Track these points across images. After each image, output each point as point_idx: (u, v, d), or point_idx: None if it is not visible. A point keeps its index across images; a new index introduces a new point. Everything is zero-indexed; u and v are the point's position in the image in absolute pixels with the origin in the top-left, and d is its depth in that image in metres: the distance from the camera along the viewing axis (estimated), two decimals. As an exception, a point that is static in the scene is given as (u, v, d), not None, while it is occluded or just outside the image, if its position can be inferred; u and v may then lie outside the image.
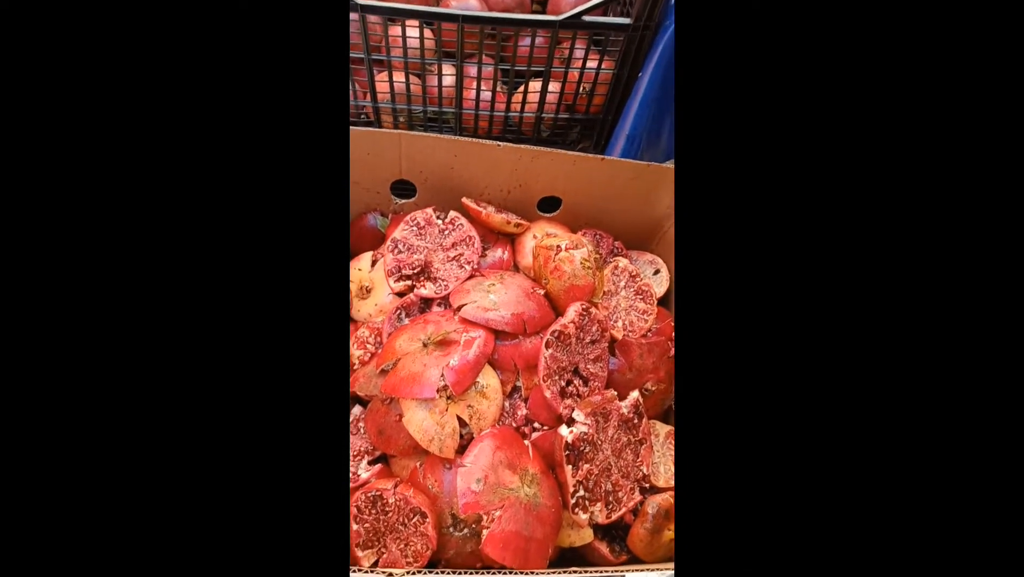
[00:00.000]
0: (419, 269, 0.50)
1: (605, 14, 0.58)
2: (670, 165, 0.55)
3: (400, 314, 0.48)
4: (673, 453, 0.49)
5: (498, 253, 0.54)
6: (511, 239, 0.55)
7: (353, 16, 0.56)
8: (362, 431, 0.45)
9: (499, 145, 0.52)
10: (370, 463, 0.42)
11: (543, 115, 0.67)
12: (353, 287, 0.52)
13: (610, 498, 0.43)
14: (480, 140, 0.51)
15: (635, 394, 0.47)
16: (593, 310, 0.47)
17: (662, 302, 0.56)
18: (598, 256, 0.48)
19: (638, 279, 0.54)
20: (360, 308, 0.51)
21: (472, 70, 0.62)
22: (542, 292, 0.48)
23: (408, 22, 0.58)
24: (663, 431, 0.50)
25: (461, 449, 0.41)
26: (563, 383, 0.45)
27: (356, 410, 0.47)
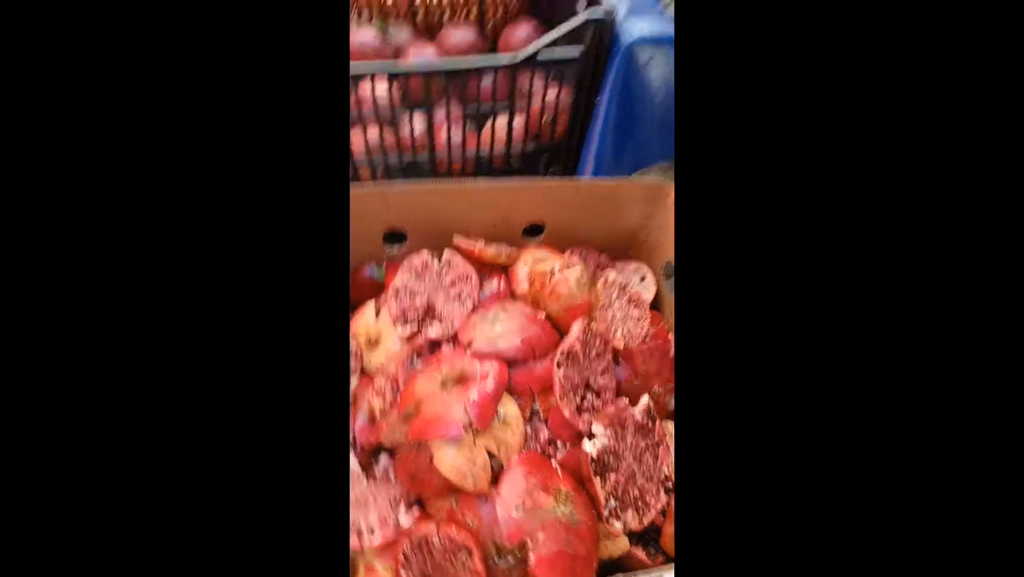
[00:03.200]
0: (423, 312, 0.52)
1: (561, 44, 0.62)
2: (637, 179, 0.59)
3: (412, 358, 0.50)
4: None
5: (494, 284, 0.56)
6: (504, 269, 0.58)
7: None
8: (394, 480, 0.46)
9: (477, 183, 0.54)
10: (407, 508, 0.43)
11: (512, 148, 0.70)
12: (360, 340, 0.53)
13: (639, 503, 0.45)
14: (461, 181, 0.54)
15: (646, 399, 0.49)
16: (594, 325, 0.49)
17: (652, 306, 0.59)
18: (590, 273, 0.51)
19: (628, 288, 0.56)
20: (371, 359, 0.52)
21: (439, 115, 0.66)
22: (543, 315, 0.50)
23: (376, 78, 0.61)
24: (672, 428, 0.53)
25: (493, 481, 0.42)
26: (578, 400, 0.47)
27: (383, 460, 0.48)
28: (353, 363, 0.51)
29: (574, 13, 0.71)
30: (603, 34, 0.60)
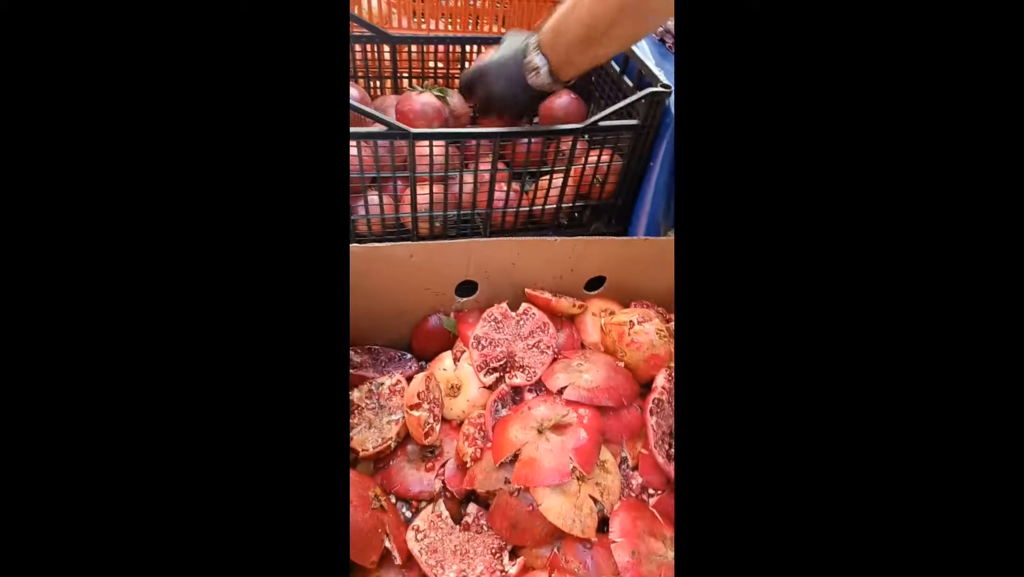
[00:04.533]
0: (504, 360, 0.53)
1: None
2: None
3: (497, 406, 0.51)
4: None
5: (564, 333, 0.58)
6: (572, 320, 0.60)
7: (401, 143, 0.62)
8: (485, 528, 0.46)
9: (556, 240, 0.58)
10: (510, 558, 0.43)
11: (562, 206, 0.75)
12: (443, 386, 0.54)
13: (728, 550, 0.46)
14: (541, 237, 0.57)
15: (723, 445, 0.51)
16: (675, 374, 0.51)
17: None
18: (668, 326, 0.54)
19: (690, 339, 0.59)
20: (452, 406, 0.53)
21: (491, 175, 0.70)
22: (622, 364, 0.53)
23: (434, 140, 0.65)
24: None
25: (598, 527, 0.43)
26: (666, 447, 0.48)
27: (471, 508, 0.48)
28: (436, 411, 0.52)
29: (615, 88, 0.79)
30: (657, 108, 0.66)
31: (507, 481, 0.45)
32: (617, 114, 0.66)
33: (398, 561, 0.42)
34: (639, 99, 0.64)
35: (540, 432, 0.46)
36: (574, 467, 0.43)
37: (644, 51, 0.76)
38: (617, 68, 0.78)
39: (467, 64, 0.92)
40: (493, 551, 0.44)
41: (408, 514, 0.48)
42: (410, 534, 0.44)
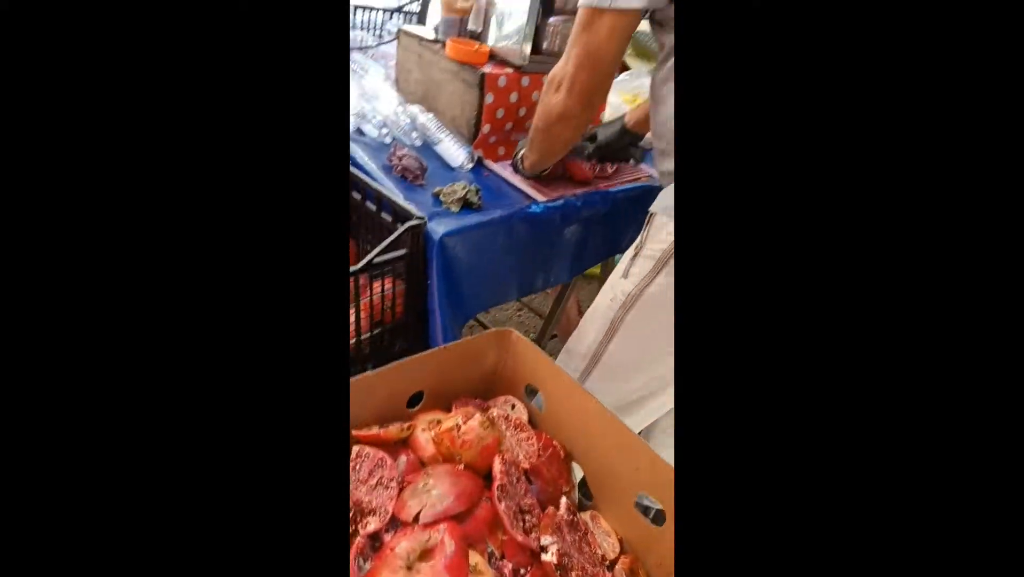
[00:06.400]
0: (353, 510, 0.53)
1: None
2: (488, 332, 0.74)
3: (359, 561, 0.50)
4: (602, 528, 0.62)
5: (403, 459, 0.60)
6: (405, 442, 0.63)
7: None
8: None
9: (363, 376, 0.61)
10: None
11: (361, 337, 0.78)
12: (295, 570, 0.50)
13: (598, 588, 0.53)
14: (353, 376, 0.60)
15: (564, 500, 0.59)
16: (506, 456, 0.58)
17: (530, 425, 0.72)
18: (488, 415, 0.61)
19: (510, 418, 0.68)
20: None
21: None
22: (462, 466, 0.58)
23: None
24: (587, 516, 0.64)
25: (489, 631, 0.45)
26: (521, 524, 0.54)
27: None
28: (294, 599, 0.48)
29: (380, 227, 0.88)
30: (419, 236, 0.77)
31: (393, 633, 0.44)
32: (386, 249, 0.74)
33: None
34: (403, 232, 0.74)
35: (409, 568, 0.47)
36: (451, 585, 0.45)
37: (392, 189, 0.88)
38: (373, 207, 0.88)
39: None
40: None
41: None
42: None
